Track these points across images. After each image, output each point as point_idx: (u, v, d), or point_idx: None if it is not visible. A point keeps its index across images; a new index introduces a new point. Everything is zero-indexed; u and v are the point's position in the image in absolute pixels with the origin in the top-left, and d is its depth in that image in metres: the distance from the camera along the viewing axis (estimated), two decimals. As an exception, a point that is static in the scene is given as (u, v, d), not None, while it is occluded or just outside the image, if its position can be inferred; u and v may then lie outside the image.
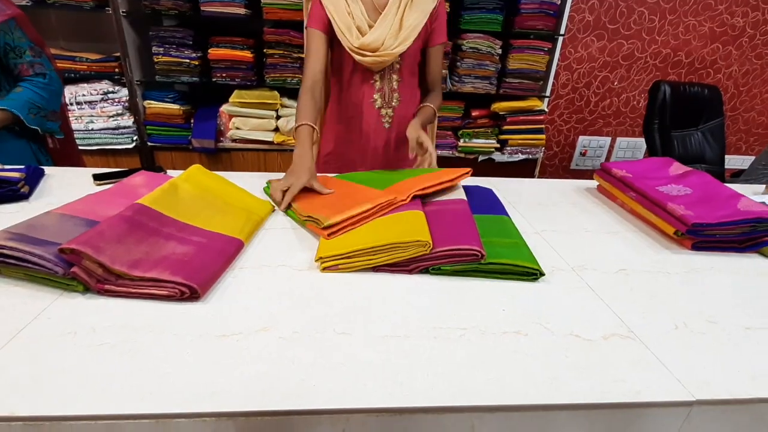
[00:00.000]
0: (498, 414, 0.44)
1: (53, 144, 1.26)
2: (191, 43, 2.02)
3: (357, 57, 1.10)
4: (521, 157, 2.34)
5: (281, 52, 2.06)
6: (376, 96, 1.18)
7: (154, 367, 0.45)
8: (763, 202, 0.88)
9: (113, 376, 0.44)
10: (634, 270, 0.72)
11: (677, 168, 1.01)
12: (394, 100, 1.20)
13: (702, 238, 0.79)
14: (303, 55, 2.05)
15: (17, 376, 0.43)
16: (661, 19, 2.54)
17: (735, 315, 0.61)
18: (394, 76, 1.18)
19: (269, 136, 2.17)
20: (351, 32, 1.09)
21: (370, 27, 1.10)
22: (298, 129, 1.02)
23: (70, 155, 1.33)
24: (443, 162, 2.34)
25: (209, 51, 2.04)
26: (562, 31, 2.16)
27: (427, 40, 1.18)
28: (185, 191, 0.79)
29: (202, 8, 1.96)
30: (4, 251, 0.57)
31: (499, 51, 2.15)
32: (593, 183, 1.12)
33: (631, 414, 0.45)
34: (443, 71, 2.12)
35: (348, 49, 1.10)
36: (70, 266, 0.56)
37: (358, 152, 1.25)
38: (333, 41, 1.14)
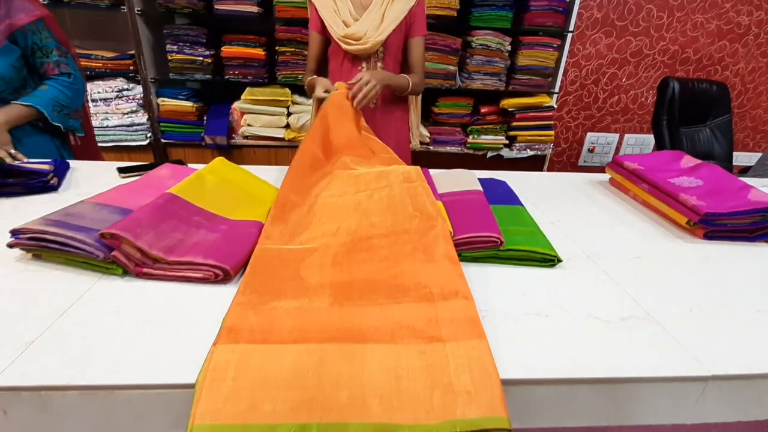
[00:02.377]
0: (522, 387, 0.46)
1: (74, 141, 1.29)
2: (204, 41, 2.06)
3: (344, 45, 1.29)
4: (530, 153, 2.36)
5: (293, 49, 2.09)
6: None
7: (194, 342, 0.48)
8: (774, 194, 0.89)
9: (158, 349, 0.47)
10: (648, 258, 0.74)
11: (688, 161, 1.03)
12: None
13: (714, 227, 0.81)
14: (314, 53, 2.09)
15: (69, 349, 0.46)
16: (669, 16, 2.55)
17: (747, 299, 0.63)
18: (379, 64, 1.34)
19: (280, 133, 2.20)
20: (337, 25, 1.28)
21: (356, 21, 1.28)
22: (309, 81, 1.31)
23: (90, 152, 1.36)
24: (452, 158, 2.36)
25: (222, 49, 2.07)
26: (570, 28, 2.17)
27: (407, 32, 1.34)
28: (211, 182, 0.82)
29: (215, 6, 1.99)
30: (47, 236, 0.60)
31: (509, 48, 2.16)
32: (605, 176, 1.14)
33: (650, 388, 0.48)
34: (445, 64, 2.21)
35: (336, 39, 1.29)
36: (110, 251, 0.59)
37: None
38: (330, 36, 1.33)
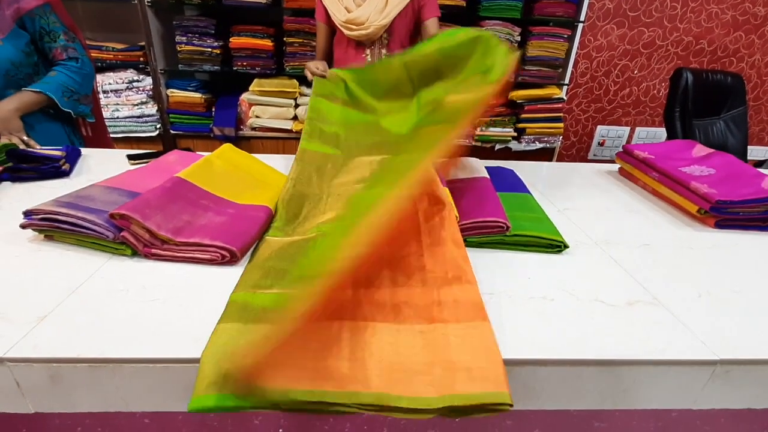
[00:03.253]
0: (526, 367, 0.46)
1: (86, 132, 1.31)
2: (213, 32, 2.06)
3: (346, 31, 1.29)
4: (538, 145, 2.34)
5: (301, 40, 2.09)
6: None
7: (200, 319, 0.49)
8: (788, 182, 0.87)
9: (165, 325, 0.47)
10: (657, 245, 0.73)
11: (700, 150, 1.01)
12: None
13: (725, 215, 0.79)
14: (322, 44, 2.09)
15: (79, 324, 0.47)
16: (683, 7, 2.50)
17: (759, 287, 0.62)
18: (383, 51, 1.34)
19: (288, 125, 2.21)
20: (339, 11, 1.29)
21: (359, 6, 1.28)
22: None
23: (102, 142, 1.37)
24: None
25: (230, 40, 2.07)
26: (581, 18, 2.14)
27: (418, 16, 1.32)
28: (219, 167, 0.82)
29: (224, -3, 2.00)
30: (59, 217, 0.60)
31: (518, 38, 2.14)
32: (614, 166, 1.12)
33: (657, 371, 0.47)
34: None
35: (339, 25, 1.29)
36: (119, 231, 0.60)
37: None
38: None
